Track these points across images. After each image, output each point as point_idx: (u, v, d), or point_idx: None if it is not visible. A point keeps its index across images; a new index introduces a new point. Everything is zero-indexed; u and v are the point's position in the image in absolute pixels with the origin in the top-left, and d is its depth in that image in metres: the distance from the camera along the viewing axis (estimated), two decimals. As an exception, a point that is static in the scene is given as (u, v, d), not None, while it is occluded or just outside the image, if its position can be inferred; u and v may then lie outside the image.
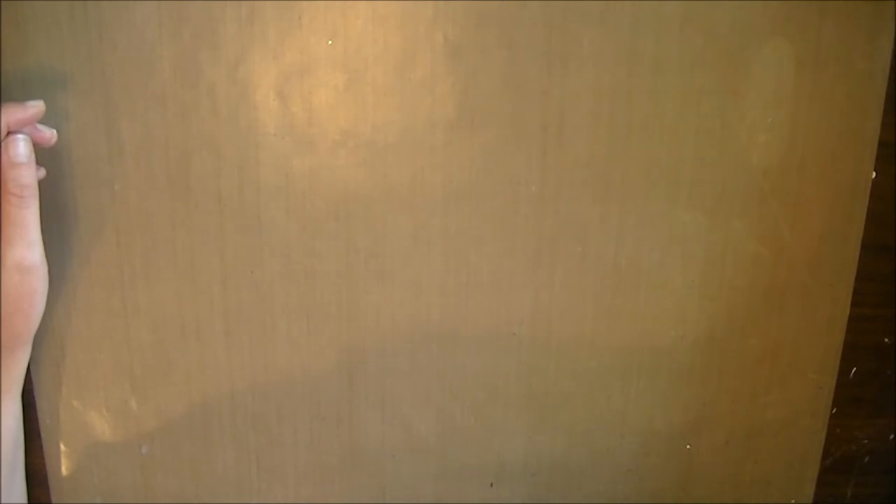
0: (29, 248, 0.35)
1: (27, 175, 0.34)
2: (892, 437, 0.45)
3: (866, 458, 0.45)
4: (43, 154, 0.37)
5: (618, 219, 0.40)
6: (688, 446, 0.44)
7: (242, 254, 0.40)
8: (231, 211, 0.40)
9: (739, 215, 0.40)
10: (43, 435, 0.43)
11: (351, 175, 0.40)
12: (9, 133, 0.34)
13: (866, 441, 0.45)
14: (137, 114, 0.38)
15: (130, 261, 0.41)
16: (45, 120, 0.36)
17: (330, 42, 0.38)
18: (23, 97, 0.35)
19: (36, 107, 0.35)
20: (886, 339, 0.43)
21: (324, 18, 0.37)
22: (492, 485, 0.45)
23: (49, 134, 0.36)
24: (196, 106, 0.38)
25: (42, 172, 0.37)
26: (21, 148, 0.34)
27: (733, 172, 0.40)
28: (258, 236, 0.40)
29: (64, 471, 0.44)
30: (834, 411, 0.44)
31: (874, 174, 0.40)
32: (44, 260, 0.37)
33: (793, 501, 0.46)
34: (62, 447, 0.44)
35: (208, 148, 0.39)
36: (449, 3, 0.37)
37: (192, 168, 0.39)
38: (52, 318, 0.41)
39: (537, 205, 0.40)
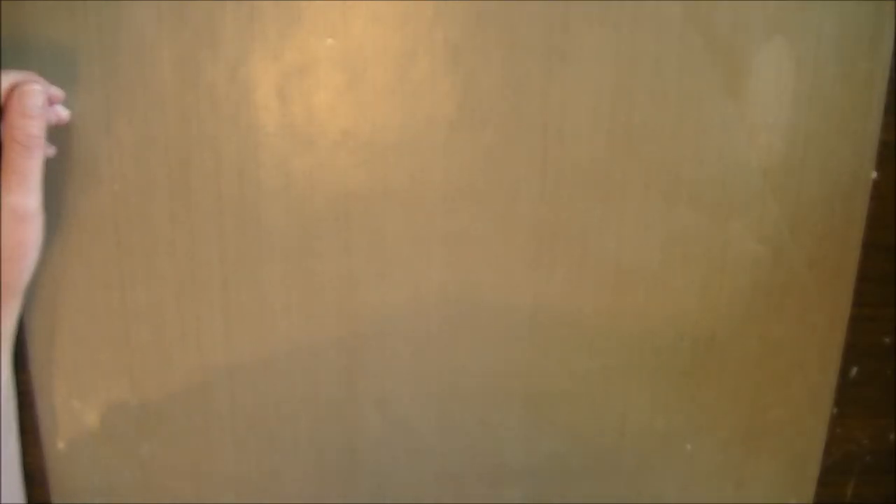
0: (26, 196, 0.35)
1: (37, 126, 0.34)
2: (892, 437, 0.45)
3: (866, 458, 0.45)
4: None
5: (618, 219, 0.40)
6: (688, 446, 0.44)
7: (242, 254, 0.40)
8: (231, 211, 0.40)
9: (739, 215, 0.40)
10: (43, 435, 0.43)
11: (351, 175, 0.39)
12: (24, 84, 0.34)
13: (866, 441, 0.45)
14: (137, 114, 0.38)
15: (130, 261, 0.41)
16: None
17: (330, 42, 0.38)
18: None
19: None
20: (886, 339, 0.43)
21: (324, 18, 0.37)
22: (492, 485, 0.45)
23: (58, 93, 0.36)
24: (196, 106, 0.38)
25: (52, 150, 0.37)
26: (36, 100, 0.34)
27: (733, 172, 0.40)
28: (258, 236, 0.40)
29: (64, 471, 0.44)
30: (834, 411, 0.44)
31: (874, 174, 0.40)
32: (41, 210, 0.36)
33: (793, 501, 0.46)
34: (62, 447, 0.44)
35: (208, 148, 0.39)
36: (449, 3, 0.37)
37: (192, 168, 0.39)
38: (53, 317, 0.41)
39: (537, 205, 0.40)
